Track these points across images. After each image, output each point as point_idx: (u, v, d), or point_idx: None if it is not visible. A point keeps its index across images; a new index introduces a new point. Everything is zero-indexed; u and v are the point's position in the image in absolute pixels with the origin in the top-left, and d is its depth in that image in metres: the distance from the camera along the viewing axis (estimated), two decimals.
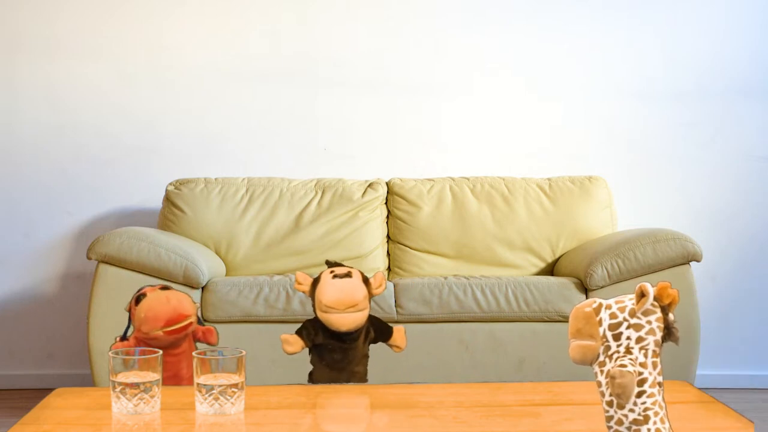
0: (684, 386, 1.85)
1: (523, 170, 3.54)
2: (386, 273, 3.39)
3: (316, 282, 2.09)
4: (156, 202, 3.56)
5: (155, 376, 1.66)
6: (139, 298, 2.10)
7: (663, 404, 1.29)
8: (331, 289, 2.04)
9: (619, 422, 1.28)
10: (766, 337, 3.67)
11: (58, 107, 3.60)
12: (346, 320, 2.04)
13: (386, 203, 3.44)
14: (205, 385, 1.63)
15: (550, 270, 3.34)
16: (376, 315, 2.54)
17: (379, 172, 3.56)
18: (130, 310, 2.13)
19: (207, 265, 3.01)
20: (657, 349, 1.29)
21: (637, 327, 1.28)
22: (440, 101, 3.67)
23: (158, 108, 3.62)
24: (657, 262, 2.94)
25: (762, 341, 3.67)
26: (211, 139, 3.64)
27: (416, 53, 3.67)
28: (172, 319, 2.03)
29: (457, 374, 2.92)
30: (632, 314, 1.29)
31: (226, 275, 3.25)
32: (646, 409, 1.28)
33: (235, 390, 1.64)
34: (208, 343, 2.15)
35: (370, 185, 3.43)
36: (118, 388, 1.64)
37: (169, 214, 3.36)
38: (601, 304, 1.30)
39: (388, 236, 3.44)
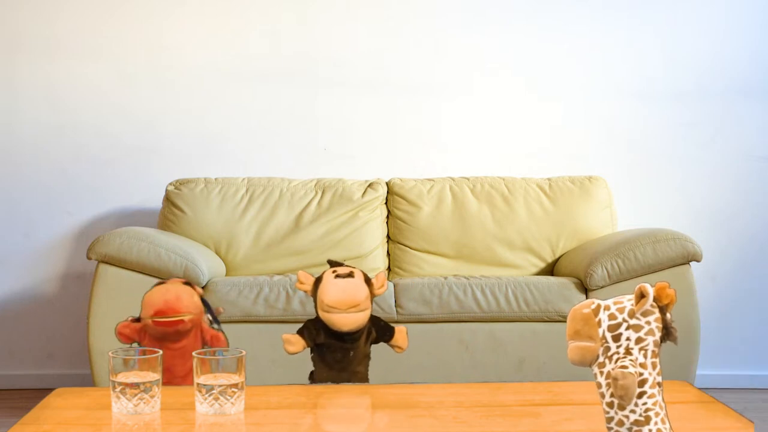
0: (684, 386, 1.85)
1: (523, 170, 3.54)
2: (386, 273, 3.39)
3: (318, 281, 2.09)
4: (156, 202, 3.56)
5: (155, 376, 1.66)
6: (157, 285, 2.12)
7: (663, 404, 1.29)
8: (334, 289, 2.04)
9: (620, 423, 1.28)
10: (766, 337, 3.67)
11: (58, 107, 3.60)
12: (348, 320, 2.04)
13: (386, 203, 3.45)
14: (205, 385, 1.63)
15: (550, 270, 3.34)
16: (377, 315, 2.54)
17: (379, 172, 3.56)
18: None
19: (207, 265, 3.01)
20: (656, 350, 1.29)
21: (637, 328, 1.28)
22: (440, 101, 3.67)
23: (158, 108, 3.62)
24: (657, 262, 2.94)
25: (762, 341, 3.67)
26: (211, 139, 3.64)
27: (416, 53, 3.67)
28: (161, 310, 2.03)
29: (457, 374, 2.92)
30: (631, 315, 1.28)
31: (226, 275, 3.25)
32: (647, 410, 1.28)
33: (235, 390, 1.64)
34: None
35: (370, 185, 3.43)
36: (118, 388, 1.64)
37: (169, 214, 3.36)
38: (599, 305, 1.29)
39: (388, 236, 3.44)
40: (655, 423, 1.27)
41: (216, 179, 3.44)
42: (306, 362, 2.14)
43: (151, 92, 3.62)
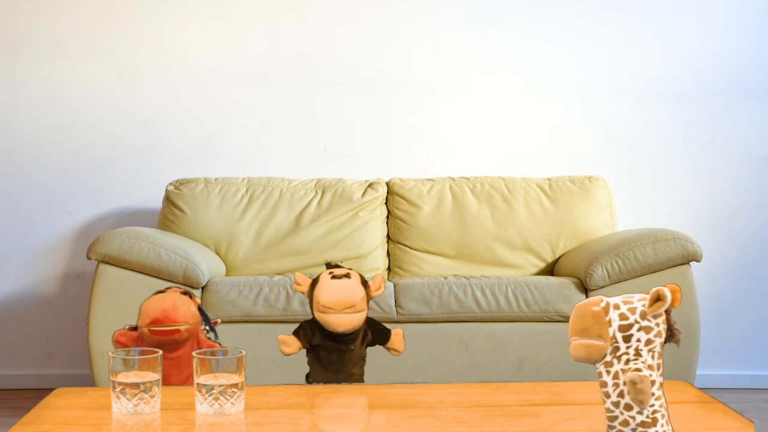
0: (684, 386, 1.85)
1: (523, 170, 3.54)
2: (386, 273, 3.39)
3: (314, 283, 2.09)
4: (156, 202, 3.56)
5: (155, 376, 1.66)
6: (155, 294, 2.11)
7: (665, 405, 1.29)
8: (329, 290, 2.04)
9: (625, 423, 1.28)
10: (766, 337, 3.67)
11: (58, 107, 3.60)
12: (343, 321, 2.04)
13: (386, 203, 3.45)
14: (205, 385, 1.63)
15: (550, 270, 3.34)
16: (376, 315, 2.55)
17: (379, 172, 3.56)
18: None
19: (207, 265, 3.01)
20: (661, 351, 1.29)
21: (648, 329, 1.28)
22: (440, 101, 3.67)
23: (158, 108, 3.62)
24: (657, 262, 2.94)
25: (762, 341, 3.67)
26: (211, 139, 3.64)
27: (416, 53, 3.67)
28: (157, 319, 2.03)
29: (457, 374, 2.91)
30: (643, 316, 1.28)
31: (226, 275, 3.25)
32: (654, 411, 1.28)
33: (235, 390, 1.64)
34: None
35: (370, 185, 3.43)
36: (118, 388, 1.64)
37: (169, 214, 3.36)
38: (608, 304, 1.28)
39: (388, 236, 3.44)
40: (662, 425, 1.28)
41: (216, 179, 3.44)
42: (305, 363, 2.14)
43: (151, 92, 3.62)
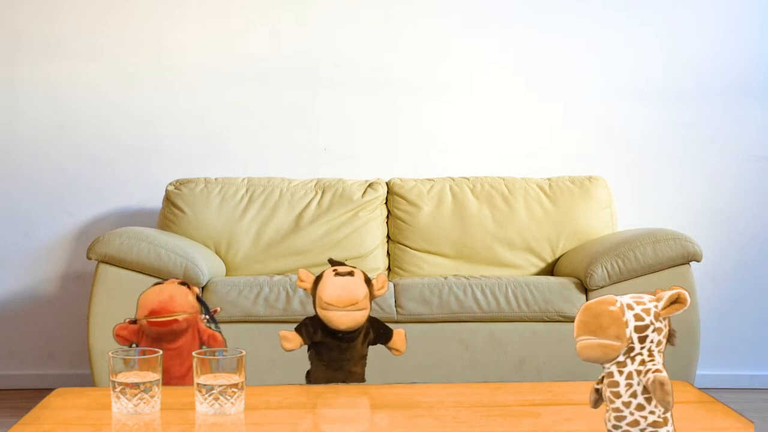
0: (684, 386, 1.85)
1: (523, 170, 3.54)
2: (386, 273, 3.39)
3: (318, 280, 2.09)
4: (156, 202, 3.56)
5: (155, 376, 1.66)
6: (152, 286, 2.12)
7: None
8: (332, 287, 2.04)
9: (635, 423, 1.29)
10: (766, 337, 3.67)
11: (58, 107, 3.60)
12: (346, 318, 2.04)
13: (386, 203, 3.45)
14: (205, 385, 1.63)
15: (550, 270, 3.34)
16: (377, 315, 2.54)
17: (379, 172, 3.56)
18: None
19: (207, 265, 3.01)
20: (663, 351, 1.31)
21: (659, 330, 1.29)
22: (440, 101, 3.67)
23: (158, 108, 3.62)
24: (657, 262, 2.94)
25: (762, 341, 3.67)
26: (211, 139, 3.64)
27: (416, 53, 3.67)
28: (155, 310, 2.03)
29: (457, 374, 2.91)
30: (656, 317, 1.29)
31: (226, 275, 3.25)
32: (665, 411, 1.30)
33: (235, 390, 1.64)
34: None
35: (370, 185, 3.43)
36: (118, 388, 1.64)
37: (169, 214, 3.36)
38: (623, 304, 1.29)
39: (388, 236, 3.44)
40: (671, 424, 1.30)
41: (216, 179, 3.44)
42: (306, 362, 2.14)
43: (151, 92, 3.62)
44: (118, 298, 2.85)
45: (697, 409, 1.66)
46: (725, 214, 3.67)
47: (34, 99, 3.59)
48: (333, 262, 2.16)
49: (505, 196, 3.39)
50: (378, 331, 2.14)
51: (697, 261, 2.97)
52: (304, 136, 3.66)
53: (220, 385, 1.63)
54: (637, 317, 1.28)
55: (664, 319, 1.30)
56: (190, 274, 2.90)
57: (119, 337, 2.08)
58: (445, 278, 3.05)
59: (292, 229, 3.34)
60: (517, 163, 3.62)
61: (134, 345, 2.09)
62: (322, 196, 3.39)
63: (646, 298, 1.30)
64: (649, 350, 1.29)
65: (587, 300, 2.52)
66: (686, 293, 1.29)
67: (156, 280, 2.28)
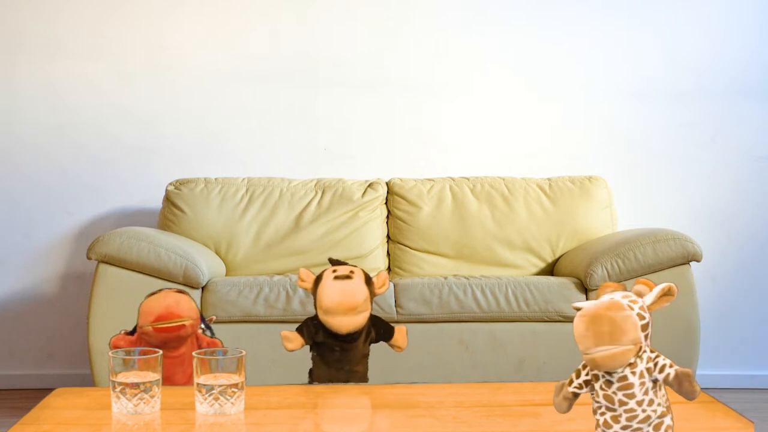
0: None
1: (523, 170, 3.54)
2: (387, 273, 3.39)
3: (318, 280, 2.08)
4: (156, 202, 3.56)
5: (155, 376, 1.66)
6: (151, 295, 2.11)
7: None
8: (331, 292, 2.02)
9: (646, 419, 1.29)
10: (766, 337, 3.67)
11: (58, 107, 3.60)
12: (346, 323, 2.03)
13: (386, 203, 3.45)
14: (205, 385, 1.63)
15: (550, 270, 3.34)
16: (377, 315, 2.54)
17: (379, 172, 3.56)
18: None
19: (207, 265, 3.01)
20: None
21: (650, 324, 1.30)
22: (440, 101, 3.67)
23: (158, 108, 3.62)
24: (657, 262, 2.94)
25: (762, 341, 3.67)
26: (211, 139, 3.64)
27: (416, 53, 3.67)
28: (162, 316, 2.03)
29: (457, 374, 2.91)
30: (647, 311, 1.30)
31: (226, 275, 3.25)
32: (667, 400, 1.32)
33: (235, 390, 1.64)
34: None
35: (370, 185, 3.43)
36: (118, 388, 1.64)
37: (169, 214, 3.36)
38: (630, 306, 1.29)
39: (388, 236, 3.44)
40: (671, 412, 1.32)
41: (216, 179, 3.44)
42: (306, 362, 2.14)
43: (151, 92, 3.62)
44: (118, 298, 2.85)
45: (697, 409, 1.66)
46: (725, 214, 3.67)
47: (34, 99, 3.59)
48: (333, 262, 2.16)
49: (505, 196, 3.39)
50: (379, 329, 2.14)
51: (697, 261, 2.97)
52: (304, 136, 3.66)
53: (220, 385, 1.63)
54: (640, 316, 1.28)
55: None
56: (190, 274, 2.90)
57: (116, 349, 2.08)
58: (445, 278, 3.05)
59: (292, 229, 3.34)
60: (517, 163, 3.62)
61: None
62: (322, 196, 3.39)
63: (631, 295, 1.31)
64: (648, 346, 1.30)
65: (587, 299, 2.53)
66: (674, 285, 1.30)
67: (158, 285, 2.28)
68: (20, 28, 3.58)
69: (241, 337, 2.80)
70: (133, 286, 2.84)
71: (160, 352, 1.69)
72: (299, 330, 2.09)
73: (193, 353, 1.68)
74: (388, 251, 3.43)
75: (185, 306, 2.07)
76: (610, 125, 3.68)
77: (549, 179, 3.45)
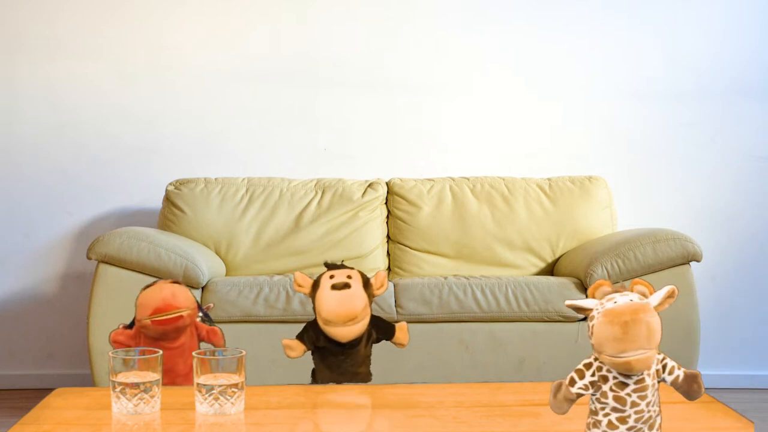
0: None
1: (523, 170, 3.54)
2: (386, 273, 3.39)
3: (315, 285, 2.06)
4: (156, 202, 3.56)
5: (155, 376, 1.66)
6: (147, 287, 2.11)
7: None
8: (330, 303, 2.00)
9: (649, 419, 1.30)
10: (766, 337, 3.67)
11: (58, 107, 3.60)
12: (346, 332, 2.02)
13: (386, 203, 3.45)
14: (205, 385, 1.63)
15: (550, 270, 3.34)
16: (376, 315, 2.53)
17: (379, 172, 3.56)
18: None
19: (207, 265, 3.01)
20: None
21: None
22: (440, 101, 3.67)
23: (158, 108, 3.62)
24: (657, 262, 2.94)
25: (762, 341, 3.67)
26: (211, 139, 3.64)
27: (416, 53, 3.67)
28: (159, 308, 2.03)
29: (457, 374, 2.91)
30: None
31: (226, 275, 3.25)
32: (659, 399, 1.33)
33: (235, 390, 1.64)
34: (213, 345, 2.14)
35: (370, 185, 3.43)
36: (118, 388, 1.64)
37: (169, 214, 3.36)
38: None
39: (388, 236, 3.44)
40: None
41: (216, 179, 3.44)
42: (306, 362, 2.14)
43: (151, 92, 3.62)
44: (118, 298, 2.85)
45: (697, 409, 1.66)
46: (725, 214, 3.67)
47: (34, 99, 3.59)
48: (329, 266, 2.12)
49: (505, 196, 3.39)
50: (381, 329, 2.13)
51: (697, 261, 2.97)
52: (304, 136, 3.66)
53: (220, 385, 1.63)
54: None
55: None
56: (190, 274, 2.90)
57: (116, 343, 2.08)
58: (445, 278, 3.05)
59: (292, 229, 3.34)
60: (517, 163, 3.62)
61: None
62: (322, 196, 3.39)
63: (632, 294, 1.31)
64: None
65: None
66: (676, 288, 1.31)
67: (153, 280, 2.27)
68: (20, 28, 3.58)
69: (241, 337, 2.80)
70: (133, 286, 2.81)
71: (160, 352, 1.69)
72: (300, 337, 2.08)
73: (193, 353, 1.68)
74: (388, 251, 3.43)
75: (182, 297, 2.06)
76: (610, 125, 3.68)
77: (549, 179, 3.45)
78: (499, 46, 3.67)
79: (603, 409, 1.31)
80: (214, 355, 1.67)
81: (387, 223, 3.44)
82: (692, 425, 1.58)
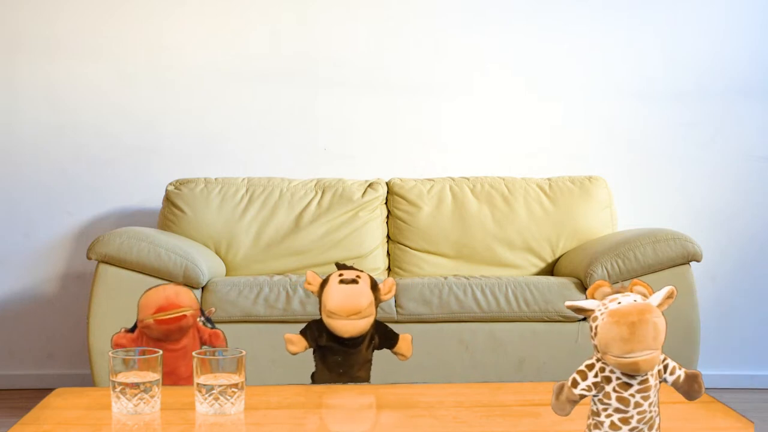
0: None
1: (523, 170, 3.54)
2: (386, 273, 3.39)
3: (324, 283, 2.08)
4: (156, 202, 3.56)
5: (155, 376, 1.66)
6: (148, 290, 2.11)
7: None
8: (336, 295, 2.02)
9: (650, 419, 1.30)
10: (766, 337, 3.67)
11: (58, 107, 3.60)
12: (349, 327, 2.03)
13: (386, 203, 3.44)
14: (205, 385, 1.63)
15: (550, 270, 3.34)
16: (381, 321, 2.54)
17: (379, 172, 3.56)
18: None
19: (207, 265, 3.01)
20: None
21: None
22: (440, 101, 3.67)
23: (158, 108, 3.62)
24: (657, 262, 2.94)
25: (762, 341, 3.67)
26: (211, 139, 3.64)
27: (416, 53, 3.67)
28: (162, 307, 2.03)
29: (457, 374, 2.91)
30: None
31: (226, 275, 3.25)
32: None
33: (235, 390, 1.64)
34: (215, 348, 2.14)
35: (370, 185, 3.43)
36: (118, 388, 1.64)
37: (169, 214, 3.36)
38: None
39: (388, 236, 3.44)
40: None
41: (216, 179, 3.44)
42: (306, 362, 2.14)
43: (151, 92, 3.62)
44: (118, 298, 2.85)
45: (697, 409, 1.66)
46: (725, 214, 3.67)
47: (34, 99, 3.59)
48: (340, 266, 2.15)
49: (505, 196, 3.39)
50: (383, 336, 2.14)
51: (697, 261, 2.97)
52: (304, 136, 3.66)
53: (220, 385, 1.63)
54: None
55: None
56: (190, 274, 2.90)
57: (118, 346, 2.08)
58: (445, 278, 3.05)
59: (292, 229, 3.34)
60: (517, 163, 3.62)
61: None
62: (322, 196, 3.39)
63: (637, 296, 1.31)
64: None
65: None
66: (675, 289, 1.31)
67: (155, 281, 2.28)
68: (20, 28, 3.58)
69: (241, 337, 2.79)
70: (133, 286, 2.83)
71: (160, 352, 1.69)
72: (303, 333, 2.09)
73: (193, 353, 1.68)
74: (388, 251, 3.43)
75: (185, 296, 2.07)
76: (610, 125, 3.68)
77: (549, 179, 3.45)
78: (499, 46, 3.67)
79: (605, 410, 1.31)
80: (214, 355, 1.67)
81: (387, 223, 3.44)
82: (692, 425, 1.58)
